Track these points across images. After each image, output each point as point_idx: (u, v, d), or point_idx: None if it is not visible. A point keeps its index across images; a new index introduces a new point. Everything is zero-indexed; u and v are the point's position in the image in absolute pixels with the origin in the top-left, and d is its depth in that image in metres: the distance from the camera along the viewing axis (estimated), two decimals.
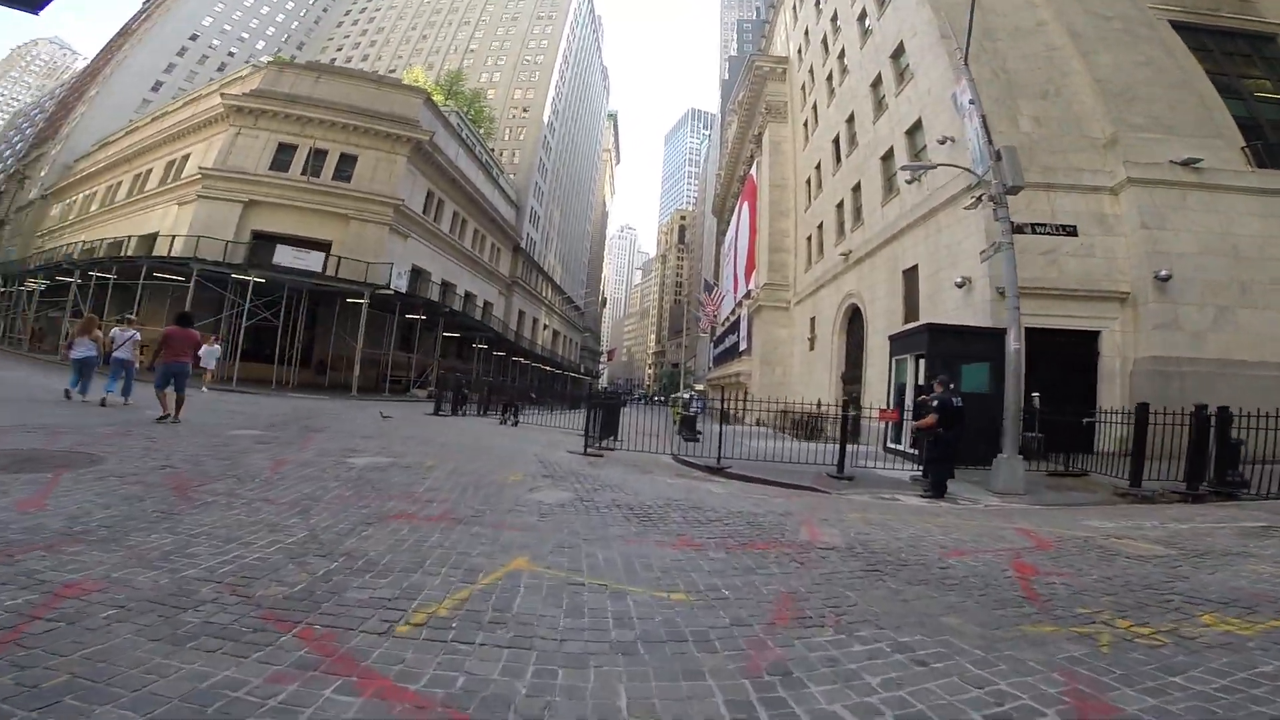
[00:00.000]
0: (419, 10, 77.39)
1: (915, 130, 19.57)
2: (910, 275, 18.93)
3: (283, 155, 30.99)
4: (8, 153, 71.94)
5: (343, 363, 27.98)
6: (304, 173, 30.81)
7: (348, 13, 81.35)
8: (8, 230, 53.79)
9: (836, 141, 27.35)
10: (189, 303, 24.27)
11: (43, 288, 30.74)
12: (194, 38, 65.67)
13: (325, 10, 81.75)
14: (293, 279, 23.68)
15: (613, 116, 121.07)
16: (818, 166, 30.45)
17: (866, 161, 23.25)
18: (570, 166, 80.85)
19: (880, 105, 22.55)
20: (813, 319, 28.55)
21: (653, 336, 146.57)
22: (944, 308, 16.32)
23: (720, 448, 10.32)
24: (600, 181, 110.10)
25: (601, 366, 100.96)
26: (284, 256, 23.22)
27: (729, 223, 58.30)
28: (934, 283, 17.36)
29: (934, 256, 17.49)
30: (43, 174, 51.23)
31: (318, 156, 31.29)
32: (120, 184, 37.90)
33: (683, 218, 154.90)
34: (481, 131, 55.31)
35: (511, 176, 60.51)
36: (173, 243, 26.91)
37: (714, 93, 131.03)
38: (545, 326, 66.46)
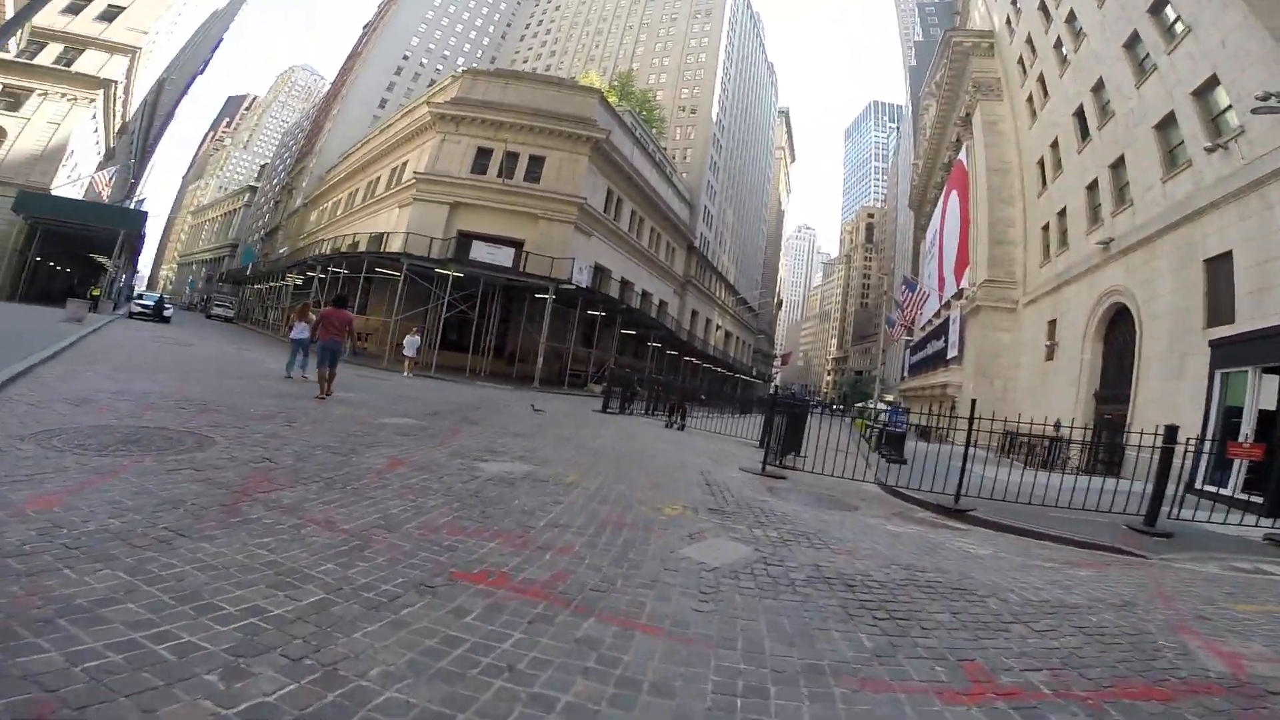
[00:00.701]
0: (588, 19, 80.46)
1: (1208, 90, 14.73)
2: (1217, 266, 13.79)
3: (481, 159, 33.03)
4: (281, 167, 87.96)
5: (530, 355, 28.72)
6: (499, 175, 32.41)
7: (527, 26, 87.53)
8: (280, 234, 65.24)
9: (1080, 114, 22.26)
10: (400, 295, 26.46)
11: (299, 282, 35.99)
12: (405, 57, 74.66)
13: (509, 25, 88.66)
14: (486, 273, 24.47)
15: (784, 113, 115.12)
16: (1054, 144, 24.97)
17: (1131, 132, 18.22)
18: (742, 165, 78.08)
19: (1142, 68, 17.81)
20: (1051, 322, 23.01)
21: (833, 341, 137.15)
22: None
23: (961, 481, 7.35)
24: (775, 180, 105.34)
25: (775, 370, 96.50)
26: (479, 252, 24.11)
27: (930, 216, 51.40)
28: (1263, 274, 12.27)
29: (1263, 240, 12.45)
30: (304, 184, 61.33)
31: (510, 159, 32.79)
32: (358, 190, 43.52)
33: (870, 215, 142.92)
34: (654, 131, 54.98)
35: (684, 175, 59.56)
36: (386, 240, 29.59)
37: (898, 83, 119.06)
38: (718, 327, 64.56)
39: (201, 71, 63.81)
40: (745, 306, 73.74)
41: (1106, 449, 15.17)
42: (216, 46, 64.76)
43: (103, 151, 37.81)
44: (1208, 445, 7.45)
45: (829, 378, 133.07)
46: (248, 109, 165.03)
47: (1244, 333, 11.19)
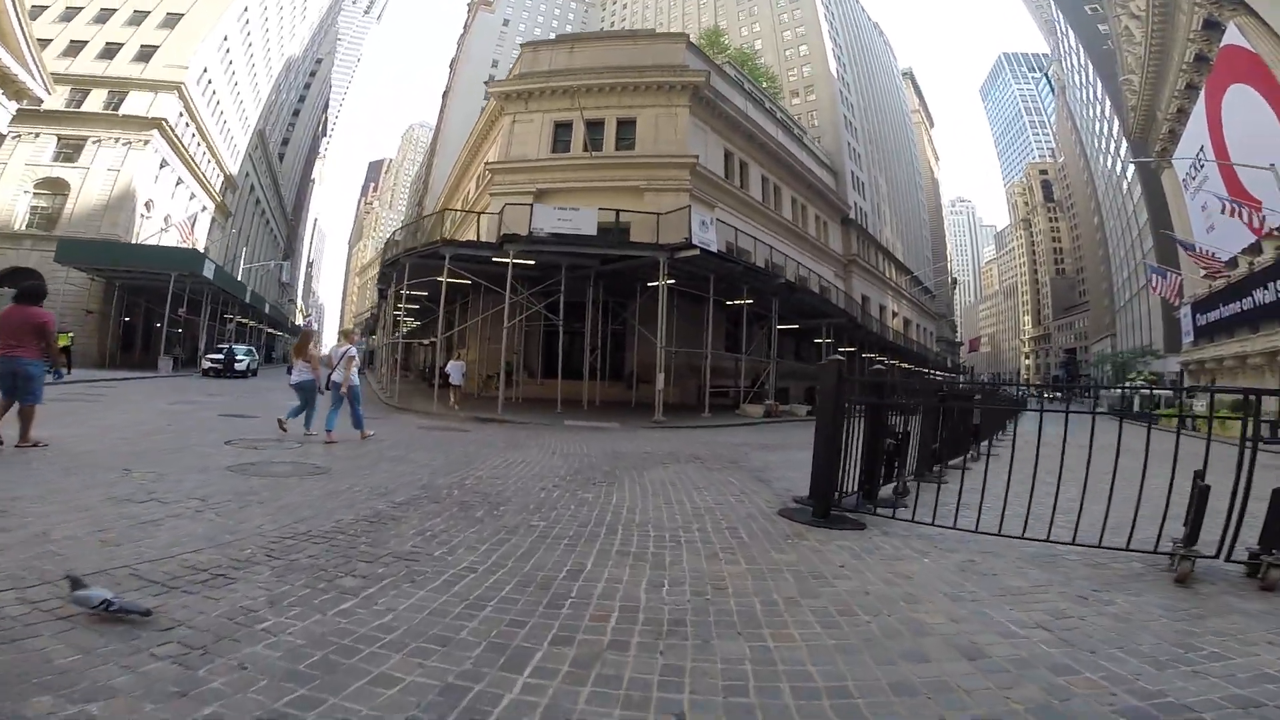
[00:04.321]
0: (659, 5, 73.43)
1: None
2: None
3: (562, 135, 26.15)
4: (411, 214, 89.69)
5: (652, 371, 20.07)
6: (585, 149, 25.09)
7: (600, 26, 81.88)
8: None
9: None
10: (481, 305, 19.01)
11: (410, 320, 30.67)
12: (487, 82, 71.66)
13: (584, 25, 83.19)
14: (561, 252, 15.95)
15: (908, 75, 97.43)
16: None
17: None
18: (880, 129, 64.06)
19: None
20: None
21: (1026, 318, 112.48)
22: None
23: None
24: (920, 146, 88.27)
25: (963, 360, 78.95)
26: (545, 220, 15.52)
27: (1172, 136, 35.07)
28: None
29: None
30: (423, 223, 59.41)
31: (594, 129, 25.61)
32: (456, 210, 38.71)
33: (1043, 171, 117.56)
34: (765, 87, 44.32)
35: (819, 140, 47.93)
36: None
37: (1024, 27, 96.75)
38: (895, 313, 51.28)
39: (325, 134, 65.01)
40: (920, 287, 59.32)
41: None
42: (326, 108, 66.04)
43: (208, 206, 36.15)
44: None
45: (1027, 360, 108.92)
46: (386, 171, 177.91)
47: None
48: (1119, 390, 29.29)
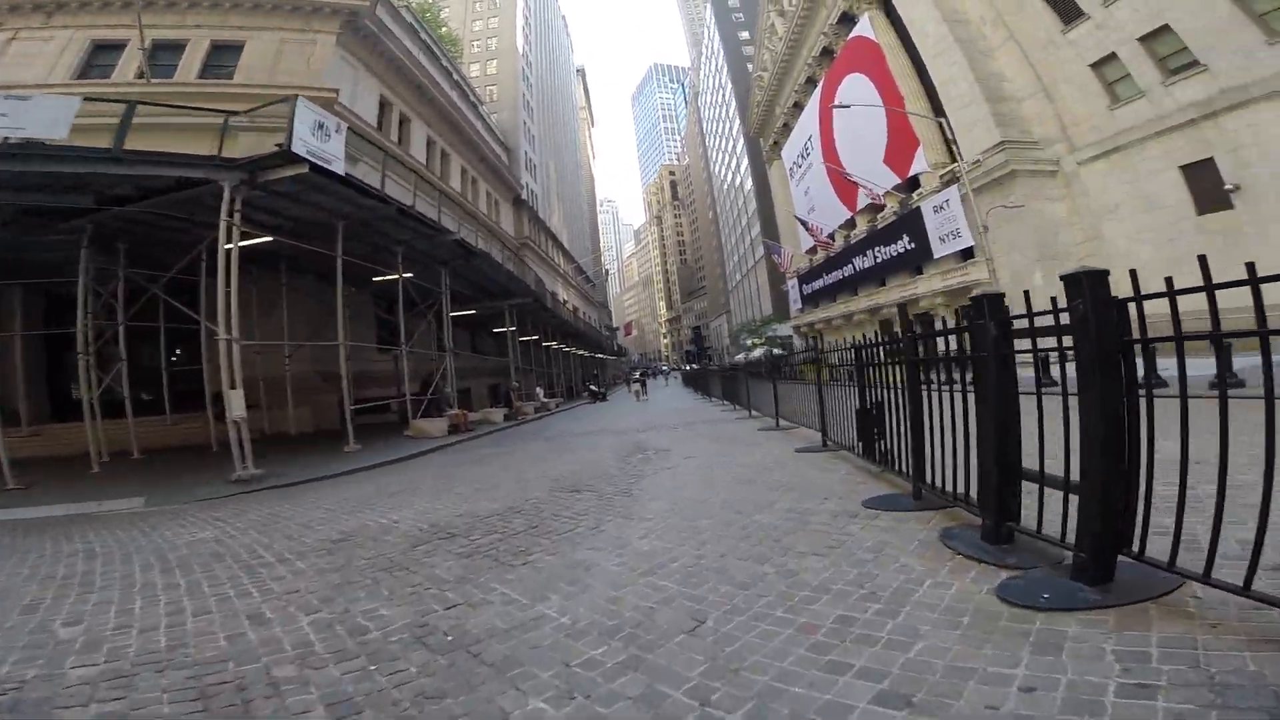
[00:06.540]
0: None
1: None
2: None
3: (102, 59, 16.71)
4: None
5: (259, 388, 12.56)
6: (140, 76, 15.59)
7: None
8: None
9: None
10: None
11: None
12: None
13: None
14: None
15: (581, 72, 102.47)
16: None
17: None
18: (553, 117, 63.86)
19: None
20: (1197, 164, 13.70)
21: (662, 303, 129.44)
22: None
23: None
24: (583, 142, 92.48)
25: (620, 344, 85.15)
26: None
27: (785, 130, 41.95)
28: None
29: None
30: None
31: (167, 53, 16.88)
32: None
33: (671, 173, 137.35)
34: (447, 48, 38.45)
35: (495, 117, 43.78)
36: None
37: (676, 44, 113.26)
38: (565, 301, 50.38)
39: None
40: (584, 276, 60.35)
41: None
42: None
43: None
44: None
45: (665, 340, 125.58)
46: None
47: None
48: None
